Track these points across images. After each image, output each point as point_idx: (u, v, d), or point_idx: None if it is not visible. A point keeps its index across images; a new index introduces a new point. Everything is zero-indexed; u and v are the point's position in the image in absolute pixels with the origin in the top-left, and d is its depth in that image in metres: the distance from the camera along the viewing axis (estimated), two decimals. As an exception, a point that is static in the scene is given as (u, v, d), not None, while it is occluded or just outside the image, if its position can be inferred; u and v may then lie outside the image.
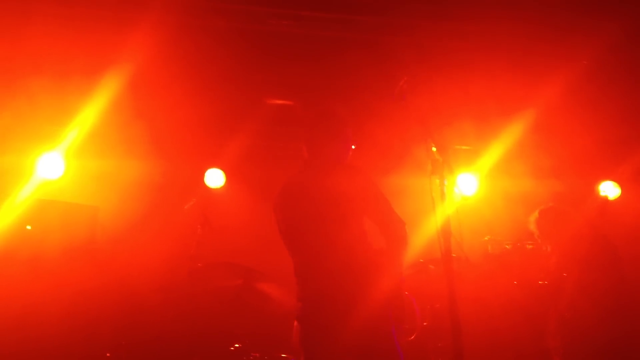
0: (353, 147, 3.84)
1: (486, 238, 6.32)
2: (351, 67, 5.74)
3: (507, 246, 6.21)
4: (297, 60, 5.79)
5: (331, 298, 3.53)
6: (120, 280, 6.18)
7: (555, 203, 5.87)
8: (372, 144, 6.31)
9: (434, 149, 3.36)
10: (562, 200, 6.16)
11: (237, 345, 5.09)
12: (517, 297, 5.71)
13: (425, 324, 5.27)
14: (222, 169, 6.99)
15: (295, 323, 3.68)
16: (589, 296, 5.11)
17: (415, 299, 4.95)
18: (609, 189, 7.16)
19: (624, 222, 6.81)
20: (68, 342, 5.59)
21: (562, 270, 5.32)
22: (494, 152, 6.54)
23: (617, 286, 5.18)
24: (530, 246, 6.16)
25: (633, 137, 6.71)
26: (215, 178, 6.99)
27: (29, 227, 6.00)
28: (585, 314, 5.09)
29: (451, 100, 5.98)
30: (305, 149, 3.86)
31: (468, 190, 6.96)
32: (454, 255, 3.31)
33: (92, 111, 5.94)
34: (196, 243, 5.35)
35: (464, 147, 6.98)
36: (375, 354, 3.52)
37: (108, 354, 5.40)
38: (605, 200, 5.46)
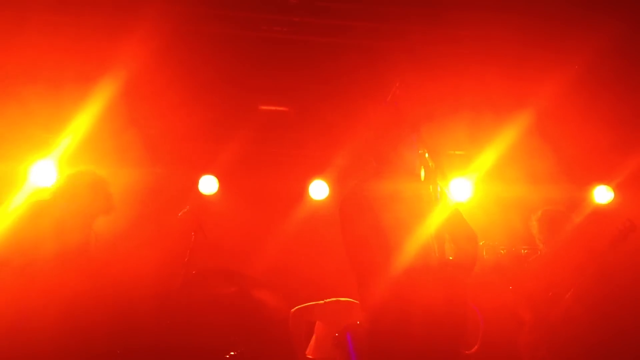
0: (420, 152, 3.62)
1: (481, 243, 6.32)
2: (344, 72, 5.75)
3: (501, 251, 6.22)
4: (290, 66, 5.80)
5: (394, 310, 3.37)
6: (114, 288, 6.14)
7: (559, 206, 5.83)
8: (365, 149, 6.30)
9: (426, 154, 3.36)
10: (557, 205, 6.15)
11: (232, 353, 5.07)
12: (510, 302, 5.70)
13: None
14: (215, 175, 6.98)
15: None
16: (585, 308, 5.09)
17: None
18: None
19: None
20: (61, 351, 5.56)
21: (558, 281, 5.31)
22: (488, 157, 6.53)
23: (614, 298, 5.16)
24: (525, 251, 6.17)
25: (627, 142, 6.71)
26: (209, 185, 6.98)
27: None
28: (581, 324, 5.08)
29: (444, 105, 5.99)
30: (373, 157, 3.77)
31: (462, 195, 6.94)
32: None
33: (85, 118, 5.91)
34: (190, 250, 5.34)
35: (457, 153, 6.98)
36: None
37: (103, 363, 5.37)
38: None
